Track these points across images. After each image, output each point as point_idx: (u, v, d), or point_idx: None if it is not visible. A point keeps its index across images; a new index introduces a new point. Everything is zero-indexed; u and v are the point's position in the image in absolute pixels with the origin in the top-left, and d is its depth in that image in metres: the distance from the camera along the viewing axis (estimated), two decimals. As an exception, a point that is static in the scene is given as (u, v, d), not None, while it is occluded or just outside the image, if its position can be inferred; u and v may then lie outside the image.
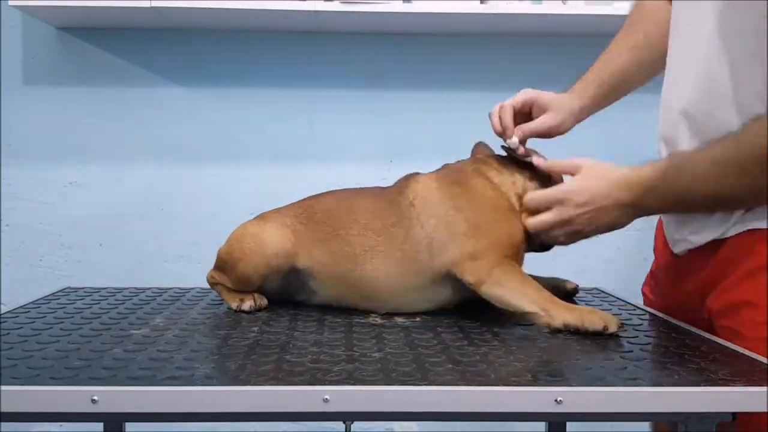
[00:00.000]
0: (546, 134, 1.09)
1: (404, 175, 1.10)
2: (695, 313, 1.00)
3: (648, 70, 1.13)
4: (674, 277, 1.06)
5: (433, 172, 1.08)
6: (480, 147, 1.15)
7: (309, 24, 1.91)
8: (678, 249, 1.02)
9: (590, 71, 1.13)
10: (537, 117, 1.08)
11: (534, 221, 1.00)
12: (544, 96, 1.08)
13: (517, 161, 1.07)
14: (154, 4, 1.74)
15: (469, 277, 0.95)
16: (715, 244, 0.94)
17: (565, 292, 1.15)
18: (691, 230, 0.97)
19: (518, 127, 1.07)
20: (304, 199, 1.10)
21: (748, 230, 0.90)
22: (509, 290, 0.94)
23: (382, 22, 1.89)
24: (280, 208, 1.10)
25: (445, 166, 1.11)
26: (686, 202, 0.92)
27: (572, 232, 0.99)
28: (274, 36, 2.02)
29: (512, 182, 1.05)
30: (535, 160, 1.05)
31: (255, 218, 1.09)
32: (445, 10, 1.78)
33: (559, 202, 0.97)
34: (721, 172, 0.85)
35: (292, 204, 1.10)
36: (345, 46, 2.02)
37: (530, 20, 1.84)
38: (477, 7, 1.79)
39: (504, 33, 1.99)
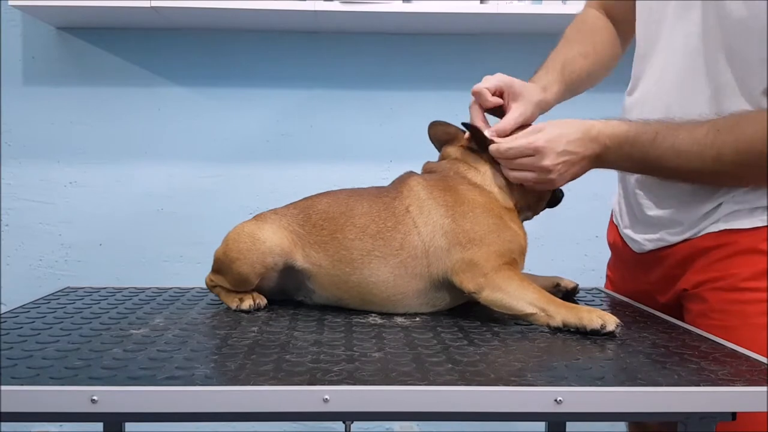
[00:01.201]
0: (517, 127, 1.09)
1: (399, 175, 1.10)
2: (654, 300, 1.10)
3: (593, 80, 1.19)
4: (638, 269, 1.12)
5: (423, 175, 1.08)
6: (438, 127, 1.14)
7: (309, 24, 1.91)
8: (646, 248, 1.08)
9: (550, 67, 1.14)
10: (508, 102, 1.07)
11: (516, 175, 1.02)
12: (516, 84, 1.07)
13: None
14: (154, 4, 1.74)
15: (468, 286, 0.96)
16: (684, 241, 1.02)
17: (565, 291, 1.15)
18: (670, 231, 1.03)
19: (494, 129, 1.05)
20: (301, 200, 1.10)
21: (722, 230, 0.97)
22: (508, 294, 0.94)
23: (382, 22, 1.90)
24: (276, 209, 1.09)
25: (428, 166, 1.11)
26: (651, 168, 0.98)
27: (546, 180, 1.00)
28: (274, 36, 2.02)
29: (492, 178, 1.04)
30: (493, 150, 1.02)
31: (251, 219, 1.09)
32: (445, 10, 1.78)
33: (538, 151, 0.97)
34: (699, 152, 0.91)
35: (289, 205, 1.10)
36: (345, 46, 2.03)
37: (530, 20, 1.84)
38: (477, 7, 1.79)
39: (504, 33, 2.00)
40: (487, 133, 1.04)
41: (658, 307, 1.09)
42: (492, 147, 1.02)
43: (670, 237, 1.04)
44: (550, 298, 0.94)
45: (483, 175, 1.05)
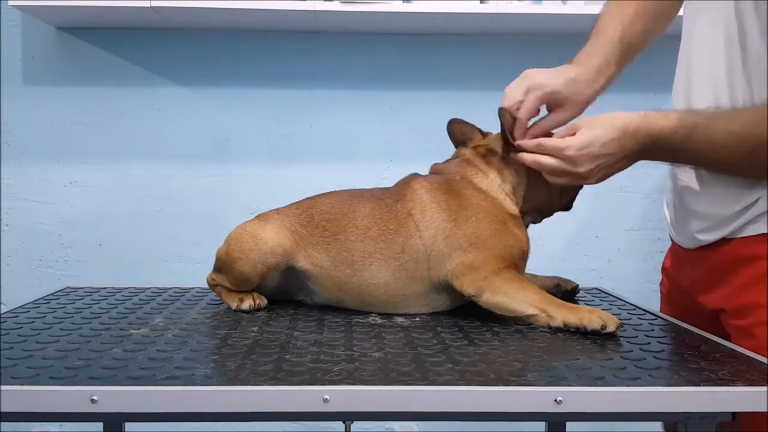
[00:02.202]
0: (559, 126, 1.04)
1: (403, 177, 1.09)
2: (693, 300, 1.04)
3: (648, 41, 1.13)
4: (682, 264, 1.08)
5: (427, 178, 1.07)
6: (455, 125, 1.12)
7: (309, 24, 1.91)
8: (685, 244, 1.04)
9: (598, 47, 1.06)
10: (553, 108, 1.02)
11: (553, 180, 0.98)
12: (559, 91, 1.00)
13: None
14: (154, 4, 1.74)
15: (468, 289, 0.96)
16: (725, 242, 0.96)
17: (565, 291, 1.15)
18: (699, 230, 0.99)
19: (535, 128, 1.01)
20: (304, 200, 1.10)
21: (762, 234, 0.92)
22: (508, 297, 0.94)
23: (382, 22, 1.89)
24: (279, 209, 1.10)
25: (435, 168, 1.11)
26: (691, 160, 0.95)
27: (582, 182, 0.99)
28: (274, 36, 2.02)
29: (499, 185, 1.03)
30: (528, 159, 0.98)
31: (254, 218, 1.09)
32: (445, 10, 1.78)
33: (571, 160, 0.93)
34: (736, 145, 0.88)
35: (291, 205, 1.10)
36: (345, 46, 2.03)
37: (530, 20, 1.84)
38: (477, 7, 1.79)
39: (504, 33, 1.99)
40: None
41: (697, 309, 1.04)
42: (518, 142, 0.99)
43: (699, 235, 1.00)
44: (550, 299, 0.94)
45: (490, 180, 1.04)
